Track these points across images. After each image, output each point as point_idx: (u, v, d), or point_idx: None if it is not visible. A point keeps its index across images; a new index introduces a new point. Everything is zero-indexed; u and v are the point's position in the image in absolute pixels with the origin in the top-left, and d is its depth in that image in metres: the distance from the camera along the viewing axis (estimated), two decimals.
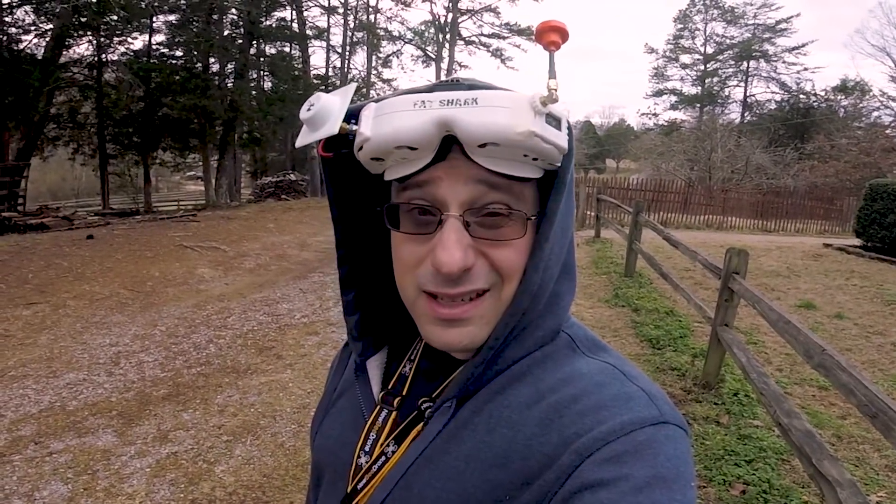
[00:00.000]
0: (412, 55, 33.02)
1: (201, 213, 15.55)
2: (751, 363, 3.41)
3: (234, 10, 20.91)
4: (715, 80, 43.55)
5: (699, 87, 43.61)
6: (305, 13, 26.55)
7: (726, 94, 43.55)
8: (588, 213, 13.81)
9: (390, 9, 31.86)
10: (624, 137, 57.92)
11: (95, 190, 24.25)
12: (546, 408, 0.51)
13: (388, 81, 32.41)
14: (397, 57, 32.77)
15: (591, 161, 56.33)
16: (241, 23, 21.50)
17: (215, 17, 20.08)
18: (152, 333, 5.31)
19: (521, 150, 0.48)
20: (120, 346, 4.96)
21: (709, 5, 41.93)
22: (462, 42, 31.65)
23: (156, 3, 17.84)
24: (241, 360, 4.71)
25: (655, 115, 46.27)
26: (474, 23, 31.83)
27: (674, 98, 44.78)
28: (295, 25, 25.78)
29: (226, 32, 21.47)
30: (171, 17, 20.13)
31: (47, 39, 15.40)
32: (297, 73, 24.93)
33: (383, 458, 0.57)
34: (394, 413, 0.60)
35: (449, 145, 0.50)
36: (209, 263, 8.41)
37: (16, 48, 14.78)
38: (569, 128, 0.51)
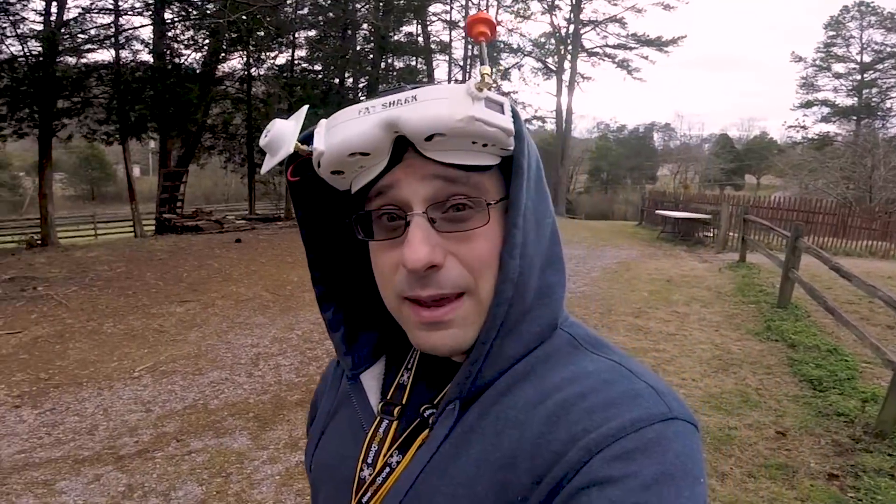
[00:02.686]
0: (532, 67, 32.62)
1: None
2: None
3: (365, 26, 21.94)
4: (874, 90, 39.36)
5: (855, 99, 39.58)
6: (430, 27, 27.29)
7: (888, 105, 39.16)
8: (731, 234, 12.67)
9: (510, 21, 31.62)
10: (766, 151, 53.73)
11: (243, 196, 26.32)
12: (553, 406, 0.50)
13: (508, 94, 32.15)
14: (518, 69, 32.41)
15: (727, 176, 52.72)
16: (371, 38, 22.53)
17: (349, 32, 21.19)
18: (289, 337, 5.53)
19: (468, 138, 0.49)
20: (260, 348, 5.20)
21: (864, 11, 38.11)
22: (585, 53, 30.85)
23: (297, 20, 19.09)
24: None
25: (804, 127, 42.42)
26: (598, 34, 30.87)
27: (826, 110, 40.91)
28: (421, 40, 26.55)
29: (358, 47, 22.57)
30: (311, 33, 21.53)
31: (203, 54, 16.94)
32: None
33: (387, 469, 0.56)
34: (394, 423, 0.59)
35: (403, 147, 0.51)
36: None
37: (178, 62, 16.39)
38: (514, 112, 0.52)
